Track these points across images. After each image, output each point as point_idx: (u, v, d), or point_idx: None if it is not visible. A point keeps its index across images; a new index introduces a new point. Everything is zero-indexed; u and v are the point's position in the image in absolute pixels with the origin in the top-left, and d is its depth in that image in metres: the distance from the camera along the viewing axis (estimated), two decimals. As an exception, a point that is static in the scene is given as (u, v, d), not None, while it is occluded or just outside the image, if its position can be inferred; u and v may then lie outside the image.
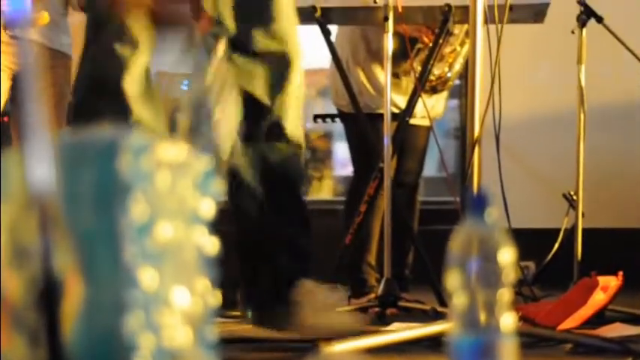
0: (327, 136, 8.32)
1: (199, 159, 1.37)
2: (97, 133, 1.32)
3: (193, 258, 1.37)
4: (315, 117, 4.66)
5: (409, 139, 4.43)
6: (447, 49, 4.32)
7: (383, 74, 3.87)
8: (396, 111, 4.14)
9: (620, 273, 3.31)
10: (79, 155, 1.31)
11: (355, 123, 4.32)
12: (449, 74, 4.41)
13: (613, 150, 5.57)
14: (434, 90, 4.42)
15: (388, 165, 3.72)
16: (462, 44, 4.32)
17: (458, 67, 4.40)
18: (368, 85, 4.41)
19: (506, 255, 1.24)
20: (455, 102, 6.31)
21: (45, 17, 3.74)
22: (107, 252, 1.29)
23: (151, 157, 1.30)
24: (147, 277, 1.30)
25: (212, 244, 1.40)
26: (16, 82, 3.85)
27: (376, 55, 4.33)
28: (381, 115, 3.81)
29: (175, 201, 1.33)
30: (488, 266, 1.22)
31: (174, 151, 1.34)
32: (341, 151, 7.66)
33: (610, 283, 3.26)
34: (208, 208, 1.38)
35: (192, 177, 1.36)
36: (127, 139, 1.29)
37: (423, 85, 4.13)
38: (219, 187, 1.39)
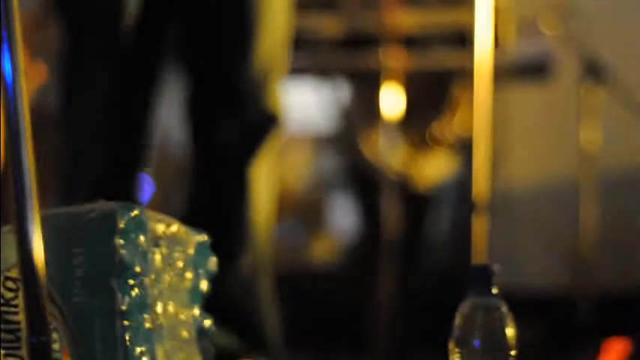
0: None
1: (194, 233, 1.35)
2: (92, 207, 1.30)
3: (189, 335, 1.34)
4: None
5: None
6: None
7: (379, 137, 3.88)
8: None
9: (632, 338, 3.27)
10: (74, 229, 1.29)
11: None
12: (448, 136, 4.42)
13: (619, 212, 5.54)
14: (436, 152, 4.43)
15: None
16: (462, 93, 4.33)
17: (456, 128, 4.41)
18: (364, 148, 4.41)
19: (511, 331, 1.21)
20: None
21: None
22: (103, 329, 1.27)
23: (146, 232, 1.28)
24: (143, 355, 1.27)
25: (208, 321, 1.37)
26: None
27: (372, 117, 4.34)
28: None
29: (171, 277, 1.31)
30: (493, 342, 1.20)
31: (168, 225, 1.32)
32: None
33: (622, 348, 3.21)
34: (204, 284, 1.36)
35: (187, 252, 1.34)
36: (122, 214, 1.27)
37: (423, 144, 4.14)
38: (213, 261, 1.36)
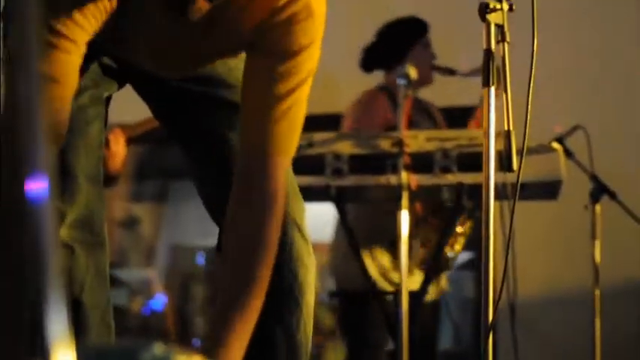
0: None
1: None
2: (117, 346, 1.29)
3: None
4: (332, 295, 4.64)
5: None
6: (460, 221, 4.34)
7: (385, 256, 3.89)
8: (391, 289, 4.16)
9: None
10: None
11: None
12: (450, 254, 4.42)
13: (629, 326, 5.52)
14: (436, 271, 4.42)
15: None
16: (462, 224, 4.34)
17: (458, 247, 4.41)
18: (371, 267, 4.41)
19: None
20: (471, 273, 6.31)
21: None
22: None
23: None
24: None
25: None
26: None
27: (379, 237, 4.35)
28: (383, 295, 3.82)
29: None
30: None
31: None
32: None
33: None
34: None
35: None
36: (146, 353, 1.26)
37: (430, 264, 4.14)
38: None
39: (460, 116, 4.69)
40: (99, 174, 2.26)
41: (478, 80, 2.22)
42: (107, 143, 3.78)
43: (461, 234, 4.37)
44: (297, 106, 2.08)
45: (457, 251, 4.42)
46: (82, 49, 1.95)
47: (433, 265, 4.16)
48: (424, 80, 4.56)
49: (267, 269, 2.06)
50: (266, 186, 2.07)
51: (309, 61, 2.07)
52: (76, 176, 2.20)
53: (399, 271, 4.22)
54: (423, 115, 4.66)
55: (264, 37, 2.05)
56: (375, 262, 4.39)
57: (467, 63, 4.24)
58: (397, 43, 4.55)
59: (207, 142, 2.34)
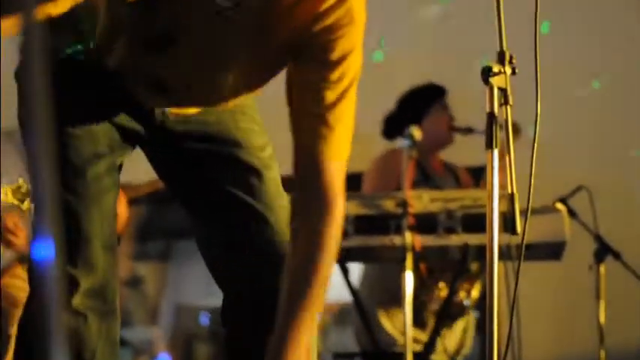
0: None
1: None
2: None
3: None
4: (336, 356, 4.62)
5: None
6: (464, 281, 4.34)
7: (402, 313, 3.87)
8: (418, 348, 4.13)
9: None
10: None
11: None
12: (466, 302, 4.41)
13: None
14: (452, 317, 4.41)
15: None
16: (479, 271, 4.34)
17: (475, 293, 4.41)
18: (387, 324, 4.41)
19: None
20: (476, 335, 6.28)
21: None
22: None
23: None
24: None
25: None
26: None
27: (394, 294, 4.34)
28: (402, 354, 3.80)
29: None
30: None
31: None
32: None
33: None
34: None
35: None
36: None
37: (444, 319, 4.13)
38: None
39: (478, 175, 4.71)
40: (114, 243, 2.27)
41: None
42: None
43: (476, 277, 4.36)
44: (348, 110, 2.10)
45: (474, 297, 4.41)
46: None
47: (444, 316, 4.17)
48: (444, 141, 4.62)
49: (325, 275, 2.09)
50: (324, 192, 2.09)
51: (354, 65, 2.09)
52: (92, 245, 2.21)
53: (418, 328, 4.22)
54: (450, 178, 4.70)
55: (308, 44, 2.06)
56: (392, 321, 4.39)
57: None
58: (416, 108, 4.61)
59: (213, 202, 2.34)
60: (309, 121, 2.09)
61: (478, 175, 4.68)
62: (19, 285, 3.79)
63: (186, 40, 2.08)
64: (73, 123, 2.19)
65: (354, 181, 4.56)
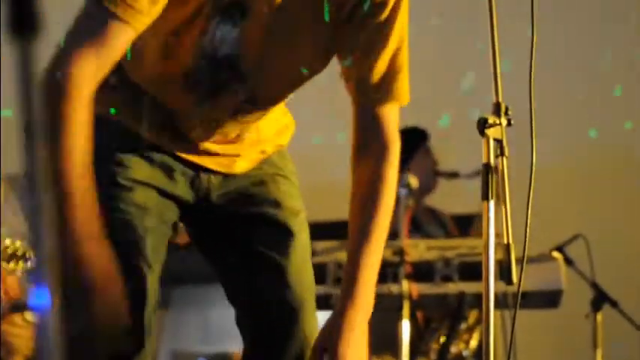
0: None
1: None
2: None
3: None
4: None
5: None
6: (463, 327, 4.33)
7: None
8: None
9: None
10: None
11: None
12: (465, 352, 4.41)
13: None
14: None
15: None
16: (476, 321, 4.34)
17: (473, 343, 4.40)
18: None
19: None
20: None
21: None
22: None
23: None
24: None
25: None
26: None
27: (390, 342, 4.34)
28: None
29: None
30: None
31: None
32: None
33: None
34: None
35: None
36: None
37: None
38: None
39: (466, 224, 4.72)
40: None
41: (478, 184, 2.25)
42: None
43: (474, 327, 4.36)
44: (403, 57, 2.22)
45: (473, 348, 4.40)
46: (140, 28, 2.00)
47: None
48: (428, 187, 4.60)
49: (389, 205, 2.25)
50: (383, 135, 2.27)
51: (405, 12, 2.20)
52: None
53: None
54: (436, 225, 4.70)
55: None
56: None
57: (468, 166, 4.29)
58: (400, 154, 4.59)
59: (245, 262, 2.34)
60: (363, 71, 2.21)
61: (465, 224, 4.68)
62: (16, 333, 3.79)
63: (257, 8, 2.12)
64: (124, 197, 2.18)
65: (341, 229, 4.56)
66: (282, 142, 2.41)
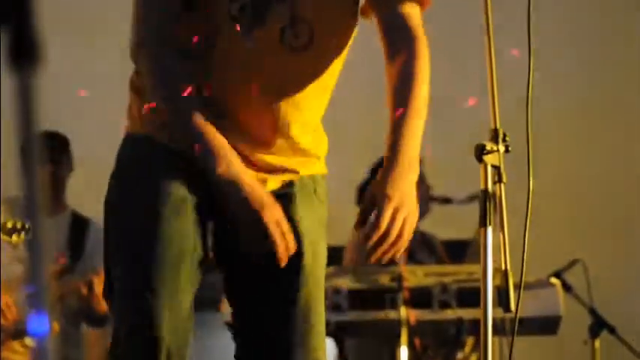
0: None
1: None
2: None
3: None
4: None
5: None
6: (459, 356, 4.32)
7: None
8: None
9: None
10: None
11: None
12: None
13: None
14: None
15: None
16: (472, 349, 4.33)
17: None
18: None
19: None
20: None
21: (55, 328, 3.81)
22: None
23: None
24: None
25: None
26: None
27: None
28: None
29: None
30: None
31: None
32: None
33: None
34: None
35: None
36: None
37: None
38: None
39: (459, 249, 4.71)
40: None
41: (474, 209, 2.25)
42: (91, 286, 3.90)
43: (471, 353, 4.34)
44: None
45: None
46: None
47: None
48: (422, 212, 4.59)
49: (425, 72, 2.25)
50: (407, 31, 2.27)
51: None
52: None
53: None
54: (425, 250, 4.69)
55: None
56: None
57: (462, 191, 4.29)
58: None
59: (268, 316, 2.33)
60: None
61: (458, 249, 4.67)
62: (16, 359, 3.80)
63: None
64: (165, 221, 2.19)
65: (336, 254, 4.54)
66: (304, 170, 2.38)
